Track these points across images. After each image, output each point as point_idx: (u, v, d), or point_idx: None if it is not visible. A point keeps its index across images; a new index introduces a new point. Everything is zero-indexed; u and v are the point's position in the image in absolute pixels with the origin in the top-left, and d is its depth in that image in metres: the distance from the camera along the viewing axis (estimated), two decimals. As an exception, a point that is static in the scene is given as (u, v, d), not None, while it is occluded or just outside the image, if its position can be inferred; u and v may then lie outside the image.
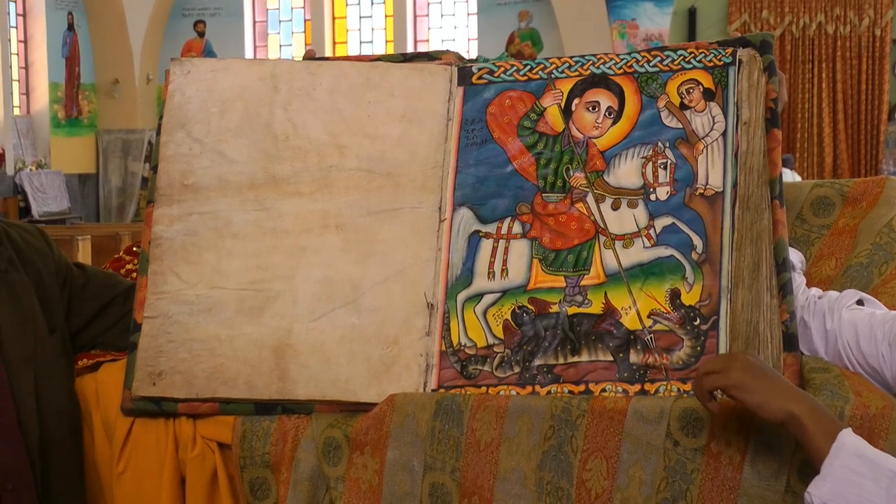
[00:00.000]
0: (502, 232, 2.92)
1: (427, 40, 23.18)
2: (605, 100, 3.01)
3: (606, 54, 3.07)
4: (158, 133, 3.15)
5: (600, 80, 3.03)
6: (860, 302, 2.77)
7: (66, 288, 3.02)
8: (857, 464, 2.16)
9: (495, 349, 2.81)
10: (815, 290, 2.86)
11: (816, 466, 2.20)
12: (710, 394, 2.35)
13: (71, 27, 22.74)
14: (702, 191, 2.86)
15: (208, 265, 3.00)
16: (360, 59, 3.22)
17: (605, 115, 2.99)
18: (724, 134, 2.90)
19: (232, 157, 3.08)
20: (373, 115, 3.08)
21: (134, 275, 3.18)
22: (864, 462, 2.16)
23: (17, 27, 21.97)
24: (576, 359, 2.75)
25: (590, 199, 2.91)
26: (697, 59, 3.00)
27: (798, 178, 15.40)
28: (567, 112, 3.01)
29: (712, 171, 2.87)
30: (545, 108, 3.03)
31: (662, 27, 20.69)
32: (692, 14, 19.84)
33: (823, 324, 2.75)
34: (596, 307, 2.80)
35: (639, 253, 2.83)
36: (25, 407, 2.79)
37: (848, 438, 2.18)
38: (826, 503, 2.15)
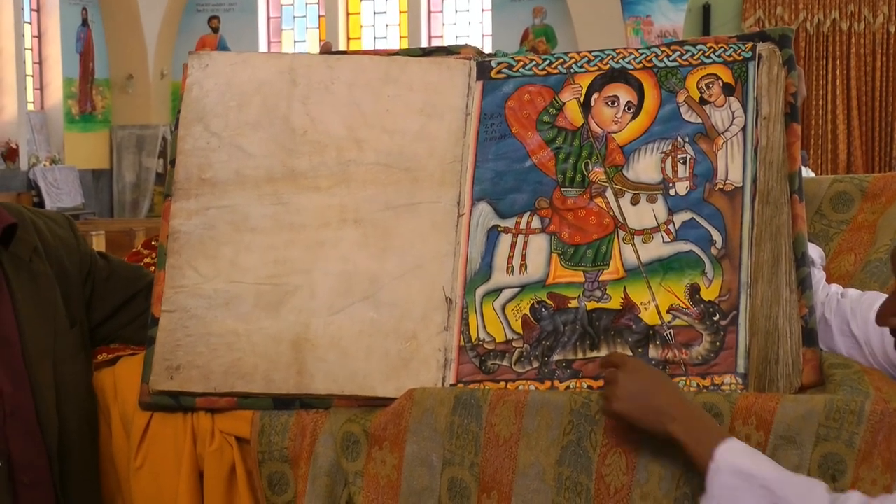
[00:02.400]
0: (521, 227, 2.91)
1: (441, 36, 23.20)
2: (625, 94, 3.00)
3: (626, 49, 3.07)
4: (176, 127, 3.15)
5: (619, 75, 3.03)
6: None
7: (89, 280, 3.01)
8: (733, 481, 2.22)
9: (514, 344, 2.81)
10: (836, 288, 2.84)
11: (698, 472, 2.28)
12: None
13: (85, 22, 22.79)
14: (721, 186, 2.85)
15: (226, 259, 2.99)
16: (378, 53, 3.22)
17: (624, 109, 2.98)
18: (743, 129, 2.90)
19: (250, 151, 3.07)
20: (391, 109, 3.07)
21: (152, 268, 3.18)
22: (740, 477, 2.22)
23: (31, 22, 22.04)
24: (595, 354, 2.75)
25: (609, 193, 2.90)
26: (717, 53, 3.00)
27: (812, 175, 15.37)
28: (586, 107, 3.01)
29: (732, 166, 2.87)
30: (564, 103, 3.02)
31: (677, 23, 20.70)
32: (706, 10, 19.84)
33: (847, 325, 2.74)
34: (615, 302, 2.80)
35: (658, 248, 2.83)
36: (44, 400, 2.78)
37: (722, 455, 2.24)
38: None
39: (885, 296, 2.77)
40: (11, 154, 20.78)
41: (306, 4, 24.42)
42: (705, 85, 2.96)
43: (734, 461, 2.23)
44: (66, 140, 22.50)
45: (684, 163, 2.89)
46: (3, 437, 2.71)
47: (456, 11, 23.55)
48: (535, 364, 2.77)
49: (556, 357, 2.77)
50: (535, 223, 2.91)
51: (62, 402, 2.82)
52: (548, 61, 3.08)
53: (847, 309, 2.76)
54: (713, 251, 2.79)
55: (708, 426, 2.34)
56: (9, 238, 2.83)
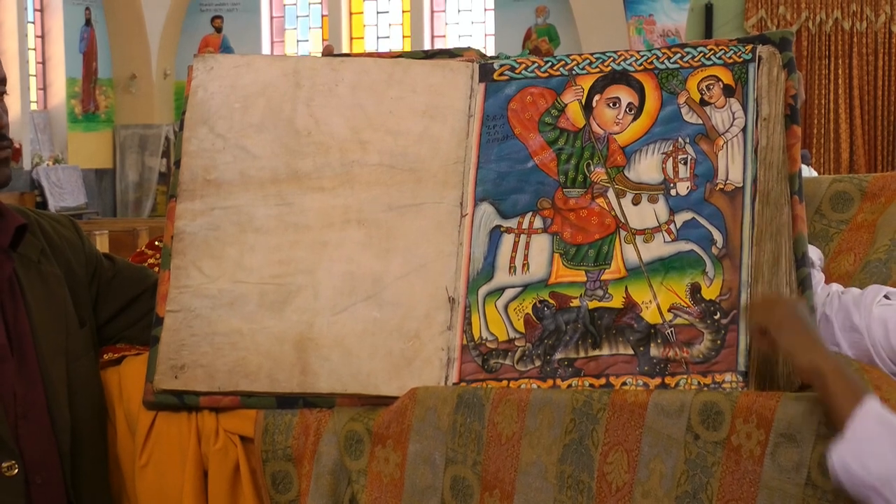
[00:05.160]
0: (523, 227, 2.93)
1: (444, 36, 23.22)
2: (626, 96, 3.01)
3: (627, 51, 3.09)
4: (181, 128, 3.16)
5: (621, 77, 3.04)
6: (887, 297, 2.77)
7: (94, 280, 3.02)
8: (879, 430, 2.21)
9: (516, 343, 2.82)
10: (837, 286, 2.86)
11: (834, 424, 2.27)
12: (758, 330, 2.52)
13: (88, 22, 22.81)
14: (722, 186, 2.87)
15: (230, 259, 3.01)
16: (381, 55, 3.23)
17: (625, 111, 3.00)
18: (743, 130, 2.91)
19: (254, 152, 3.08)
20: (395, 110, 3.09)
21: (156, 269, 3.19)
22: (887, 428, 2.20)
23: (34, 22, 22.06)
24: (597, 352, 2.76)
25: (610, 194, 2.92)
26: (717, 55, 3.01)
27: (815, 174, 15.36)
28: (588, 108, 3.02)
29: (732, 167, 2.88)
30: (566, 105, 3.04)
31: (679, 23, 20.69)
32: (709, 10, 19.77)
33: (849, 318, 2.75)
34: (617, 301, 2.81)
35: (659, 247, 2.84)
36: (57, 399, 2.79)
37: (874, 404, 2.24)
38: (845, 463, 2.21)
39: (887, 288, 2.80)
40: (15, 154, 20.74)
41: (309, 4, 24.42)
42: (706, 86, 2.98)
43: (883, 413, 2.24)
44: (69, 140, 22.52)
45: (685, 163, 2.91)
46: (15, 438, 2.71)
47: (459, 11, 23.56)
48: (538, 363, 2.79)
49: (558, 356, 2.78)
50: (538, 223, 2.93)
51: (74, 399, 2.83)
52: (549, 63, 3.10)
53: (849, 302, 2.78)
54: (714, 251, 2.80)
55: (854, 377, 2.37)
56: (17, 240, 2.85)
